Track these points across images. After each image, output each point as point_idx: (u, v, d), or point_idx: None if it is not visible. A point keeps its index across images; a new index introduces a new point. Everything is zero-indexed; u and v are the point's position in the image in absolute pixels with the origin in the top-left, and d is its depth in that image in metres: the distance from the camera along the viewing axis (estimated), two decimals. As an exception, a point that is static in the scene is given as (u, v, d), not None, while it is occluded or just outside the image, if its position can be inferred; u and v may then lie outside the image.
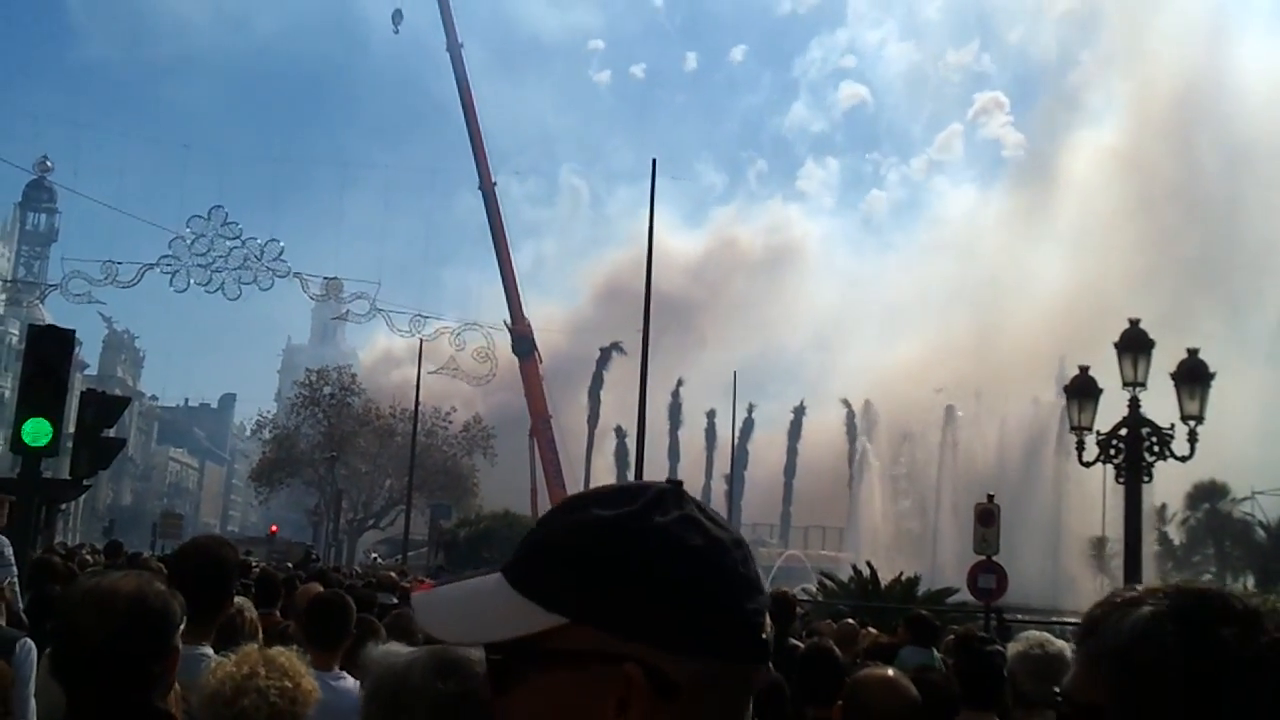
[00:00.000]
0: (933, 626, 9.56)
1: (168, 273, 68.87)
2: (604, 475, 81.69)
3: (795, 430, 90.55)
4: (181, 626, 2.73)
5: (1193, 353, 16.55)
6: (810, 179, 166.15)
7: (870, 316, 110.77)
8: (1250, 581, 46.83)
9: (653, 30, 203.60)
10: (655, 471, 55.60)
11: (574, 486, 77.15)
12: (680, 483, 1.23)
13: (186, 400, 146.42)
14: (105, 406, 16.35)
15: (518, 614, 1.16)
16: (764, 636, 1.19)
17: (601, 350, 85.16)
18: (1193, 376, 16.24)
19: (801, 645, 7.99)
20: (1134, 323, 16.55)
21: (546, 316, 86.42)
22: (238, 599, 5.16)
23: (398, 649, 2.50)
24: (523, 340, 76.10)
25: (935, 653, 9.13)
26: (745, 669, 1.17)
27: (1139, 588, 1.54)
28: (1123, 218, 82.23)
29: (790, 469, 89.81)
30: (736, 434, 71.60)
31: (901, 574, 24.65)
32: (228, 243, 69.49)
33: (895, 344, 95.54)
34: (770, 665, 2.51)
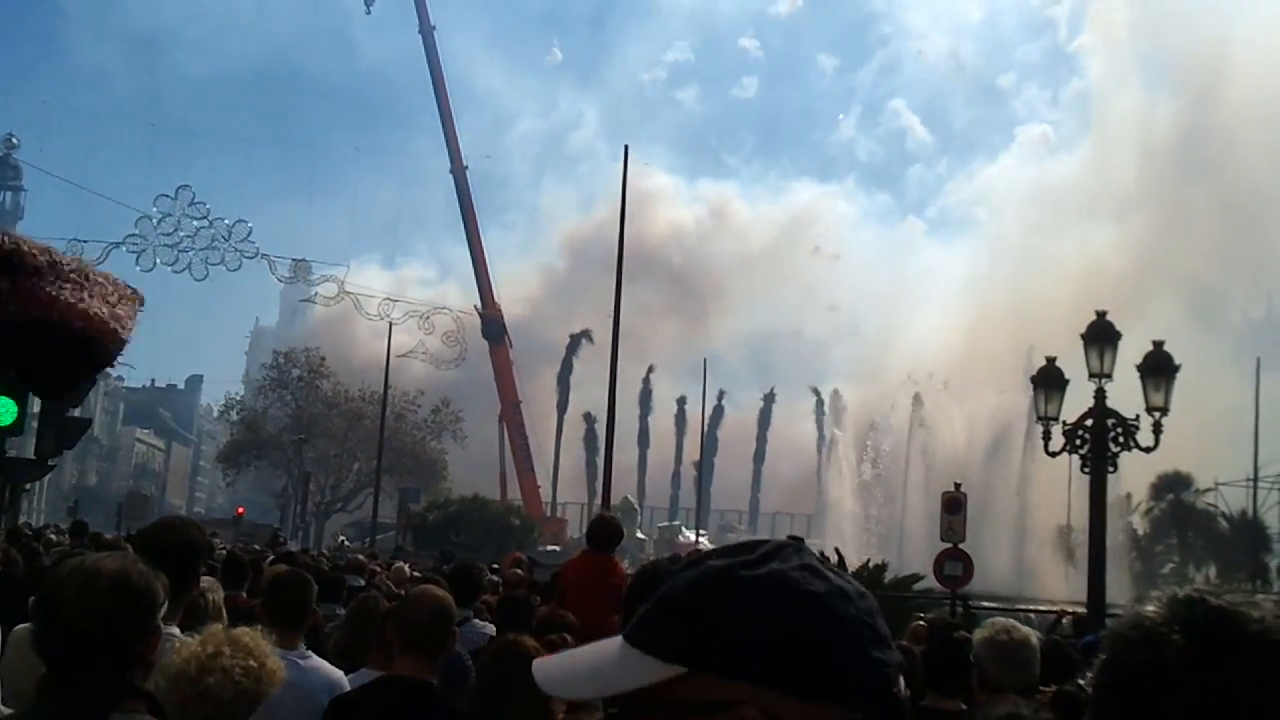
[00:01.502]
0: None
1: (134, 252, 68.54)
2: (573, 458, 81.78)
3: (765, 418, 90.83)
4: (164, 607, 2.72)
5: (1158, 345, 16.71)
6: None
7: (843, 303, 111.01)
8: (1212, 572, 47.36)
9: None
10: (624, 457, 55.63)
11: (543, 472, 77.26)
12: (801, 539, 1.26)
13: (153, 381, 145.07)
14: (70, 386, 16.19)
15: (637, 667, 1.16)
16: (891, 689, 1.17)
17: (571, 337, 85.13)
18: (1158, 368, 16.40)
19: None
20: (1100, 314, 16.69)
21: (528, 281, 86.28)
22: (203, 580, 5.13)
23: None
24: (493, 324, 75.95)
25: None
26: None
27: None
28: (1090, 211, 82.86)
29: (760, 456, 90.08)
30: (706, 420, 71.75)
31: (869, 561, 24.79)
32: (195, 223, 69.26)
33: (865, 332, 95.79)
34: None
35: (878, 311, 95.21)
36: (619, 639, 1.21)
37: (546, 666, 1.24)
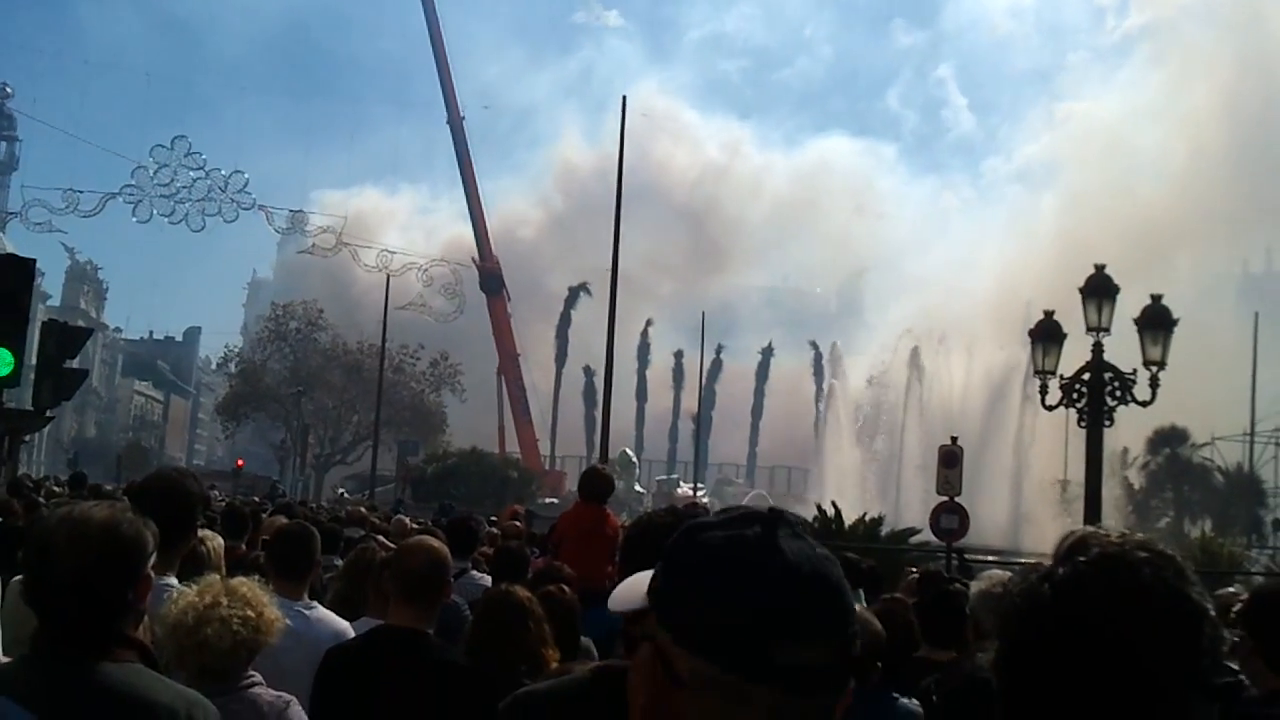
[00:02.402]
0: (853, 566, 9.49)
1: (130, 203, 68.26)
2: (573, 414, 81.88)
3: (763, 371, 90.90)
4: (153, 556, 2.73)
5: (1156, 299, 16.69)
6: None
7: (844, 257, 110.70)
8: (1208, 526, 47.55)
9: None
10: (623, 410, 55.66)
11: (541, 425, 77.41)
12: (780, 511, 1.37)
13: (151, 333, 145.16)
14: (67, 337, 16.19)
15: (636, 596, 1.49)
16: (763, 653, 1.24)
17: (570, 289, 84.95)
18: (1155, 322, 16.40)
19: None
20: (1099, 268, 16.65)
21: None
22: (202, 530, 5.15)
23: None
24: (491, 277, 75.81)
25: (860, 593, 9.12)
26: (737, 680, 1.24)
27: (1100, 530, 1.47)
28: (1093, 166, 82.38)
29: (758, 410, 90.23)
30: (704, 375, 71.78)
31: (865, 514, 24.90)
32: (191, 173, 68.93)
33: (864, 285, 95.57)
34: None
35: (882, 266, 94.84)
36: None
37: (618, 587, 1.70)
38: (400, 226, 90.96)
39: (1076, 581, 1.36)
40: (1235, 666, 4.42)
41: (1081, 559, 1.38)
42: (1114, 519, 34.86)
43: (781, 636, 1.24)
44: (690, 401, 77.12)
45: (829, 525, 23.64)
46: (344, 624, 4.99)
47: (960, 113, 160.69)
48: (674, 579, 1.32)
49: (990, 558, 23.08)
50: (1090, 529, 1.46)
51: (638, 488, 64.85)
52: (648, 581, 1.39)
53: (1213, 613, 1.36)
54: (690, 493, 61.25)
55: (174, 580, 3.86)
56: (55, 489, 16.92)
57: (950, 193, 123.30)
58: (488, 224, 77.51)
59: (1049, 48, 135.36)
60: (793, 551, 1.29)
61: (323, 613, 5.07)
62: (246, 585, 3.63)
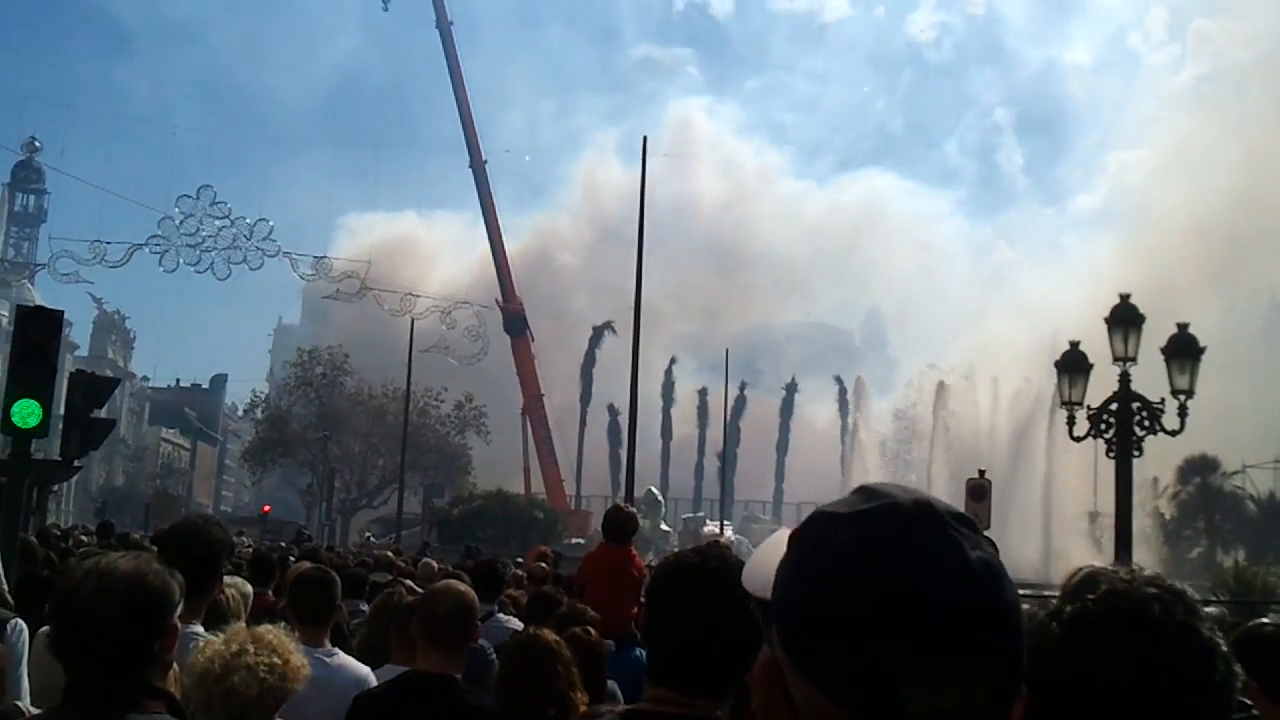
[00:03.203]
0: None
1: (157, 252, 68.87)
2: (598, 453, 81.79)
3: (788, 407, 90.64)
4: (180, 606, 2.73)
5: (1182, 328, 16.59)
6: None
7: (867, 292, 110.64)
8: (1241, 555, 47.04)
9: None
10: (647, 449, 55.56)
11: (566, 465, 77.34)
12: (926, 504, 1.09)
13: (178, 380, 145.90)
14: (94, 387, 16.31)
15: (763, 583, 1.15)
16: (892, 697, 0.99)
17: (594, 329, 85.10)
18: (1182, 351, 16.29)
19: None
20: (1124, 298, 16.58)
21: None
22: (227, 578, 5.15)
23: None
24: (514, 319, 76.01)
25: None
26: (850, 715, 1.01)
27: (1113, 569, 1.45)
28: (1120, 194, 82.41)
29: (783, 446, 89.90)
30: (728, 411, 71.66)
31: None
32: (216, 222, 69.52)
33: (888, 321, 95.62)
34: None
35: (908, 303, 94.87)
36: None
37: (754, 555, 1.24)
38: (425, 268, 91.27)
39: (1085, 619, 1.35)
40: (1249, 702, 4.35)
41: (1090, 596, 1.36)
42: (1145, 549, 34.56)
43: (918, 679, 0.98)
44: (715, 438, 76.97)
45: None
46: (365, 670, 4.98)
47: (1012, 155, 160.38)
48: (782, 587, 1.07)
49: (1024, 591, 22.85)
50: (1099, 566, 1.45)
51: (664, 526, 64.58)
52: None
53: (1224, 648, 1.35)
54: (716, 531, 60.98)
55: (199, 628, 3.86)
56: (83, 539, 17.01)
57: (1001, 240, 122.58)
58: (511, 262, 77.75)
59: (1109, 95, 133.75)
60: (939, 560, 1.03)
61: (344, 659, 5.06)
62: (272, 632, 3.62)
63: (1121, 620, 1.32)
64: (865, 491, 1.11)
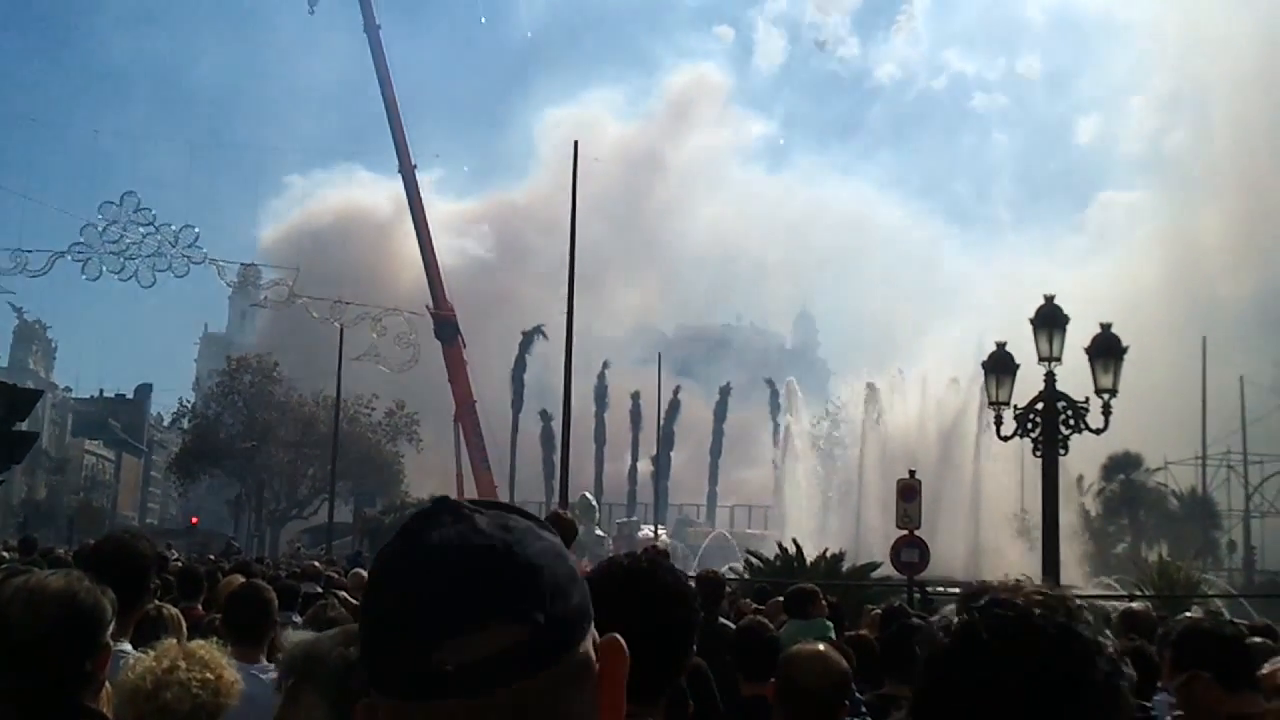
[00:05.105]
0: (803, 596, 9.53)
1: (79, 260, 67.46)
2: (531, 458, 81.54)
3: (722, 410, 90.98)
4: (112, 625, 2.69)
5: (1105, 327, 16.91)
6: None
7: (794, 293, 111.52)
8: (1165, 549, 47.97)
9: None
10: (581, 455, 55.48)
11: (499, 472, 77.01)
12: (444, 498, 1.17)
13: (101, 391, 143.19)
14: (17, 399, 16.00)
15: None
16: (415, 669, 1.05)
17: (524, 334, 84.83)
18: (1105, 351, 16.61)
19: (732, 625, 8.05)
20: (1049, 299, 16.86)
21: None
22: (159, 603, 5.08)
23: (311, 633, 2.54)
24: (445, 325, 75.49)
25: (826, 621, 9.15)
26: (400, 707, 1.06)
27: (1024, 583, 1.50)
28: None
29: (716, 449, 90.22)
30: (662, 415, 71.76)
31: (826, 550, 24.91)
32: (141, 229, 68.22)
33: (821, 322, 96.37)
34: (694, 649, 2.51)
35: (841, 303, 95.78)
36: None
37: None
38: (355, 274, 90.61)
39: (969, 628, 1.40)
40: (1149, 705, 4.50)
41: (975, 605, 1.40)
42: (1072, 546, 35.14)
43: (423, 638, 1.04)
44: (649, 442, 77.08)
45: (791, 562, 23.66)
46: (302, 686, 4.92)
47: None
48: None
49: (953, 589, 23.14)
50: (989, 581, 1.50)
51: (599, 532, 64.51)
52: None
53: (1110, 650, 1.39)
54: (651, 535, 61.05)
55: (128, 646, 3.80)
56: (4, 554, 16.62)
57: (938, 240, 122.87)
58: (441, 268, 77.26)
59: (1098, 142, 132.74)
60: (435, 539, 1.10)
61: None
62: (204, 648, 3.58)
63: (1003, 626, 1.37)
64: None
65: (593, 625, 1.18)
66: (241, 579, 8.15)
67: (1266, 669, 3.97)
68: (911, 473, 20.45)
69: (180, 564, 12.92)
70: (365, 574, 14.38)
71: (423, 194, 77.43)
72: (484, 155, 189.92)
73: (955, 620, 1.42)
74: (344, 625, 2.46)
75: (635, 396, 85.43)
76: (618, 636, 1.19)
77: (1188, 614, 9.66)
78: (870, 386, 56.55)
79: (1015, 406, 17.20)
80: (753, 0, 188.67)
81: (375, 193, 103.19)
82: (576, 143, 28.65)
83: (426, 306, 75.72)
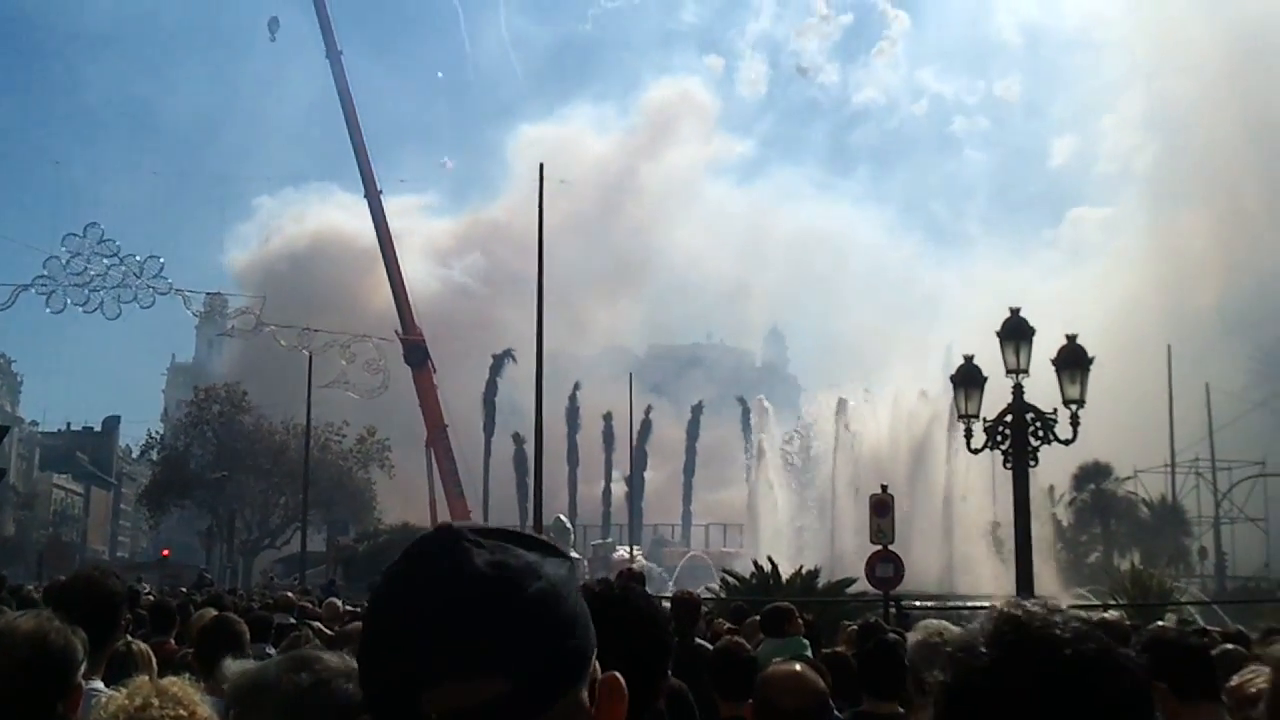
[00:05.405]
0: (778, 614, 9.53)
1: (43, 294, 66.83)
2: (504, 482, 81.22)
3: (694, 429, 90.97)
4: (84, 665, 2.66)
5: (1071, 339, 17.03)
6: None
7: (765, 311, 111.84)
8: (1137, 558, 48.26)
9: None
10: (554, 476, 55.34)
11: (472, 496, 76.74)
12: (446, 526, 1.20)
13: (69, 424, 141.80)
14: (-18, 435, 15.80)
15: None
16: (403, 712, 1.07)
17: (494, 357, 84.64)
18: (1073, 362, 16.72)
19: (709, 646, 8.02)
20: (1014, 311, 16.97)
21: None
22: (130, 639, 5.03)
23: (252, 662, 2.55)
24: (415, 349, 75.28)
25: (802, 639, 9.15)
26: None
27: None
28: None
29: (690, 468, 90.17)
30: (634, 436, 71.70)
31: (801, 567, 24.92)
32: (105, 261, 67.67)
33: (791, 339, 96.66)
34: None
35: (812, 321, 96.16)
36: None
37: None
38: (323, 301, 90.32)
39: (1005, 665, 1.37)
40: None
41: (1010, 637, 1.38)
42: (1045, 557, 35.27)
43: (408, 685, 1.06)
44: (622, 463, 76.96)
45: (767, 580, 23.66)
46: None
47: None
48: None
49: (928, 604, 23.19)
50: (1016, 604, 1.47)
51: (573, 554, 64.16)
52: None
53: (1133, 668, 1.38)
54: (627, 556, 60.90)
55: (100, 684, 3.76)
56: (-27, 592, 16.40)
57: (909, 257, 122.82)
58: (410, 295, 77.09)
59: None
60: (428, 577, 1.13)
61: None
62: (177, 684, 3.53)
63: (1037, 662, 1.34)
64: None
65: (594, 659, 1.17)
66: (214, 612, 8.08)
67: (1236, 680, 3.99)
68: (884, 487, 20.49)
69: (152, 598, 12.80)
70: (339, 604, 14.30)
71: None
72: (458, 177, 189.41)
73: (984, 657, 1.39)
74: (292, 653, 2.43)
75: (607, 417, 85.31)
76: (618, 676, 1.18)
77: (1159, 623, 9.72)
78: (841, 402, 56.71)
79: (985, 419, 17.28)
80: (734, 23, 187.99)
81: (344, 218, 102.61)
82: (542, 165, 28.79)
83: (395, 331, 75.53)
